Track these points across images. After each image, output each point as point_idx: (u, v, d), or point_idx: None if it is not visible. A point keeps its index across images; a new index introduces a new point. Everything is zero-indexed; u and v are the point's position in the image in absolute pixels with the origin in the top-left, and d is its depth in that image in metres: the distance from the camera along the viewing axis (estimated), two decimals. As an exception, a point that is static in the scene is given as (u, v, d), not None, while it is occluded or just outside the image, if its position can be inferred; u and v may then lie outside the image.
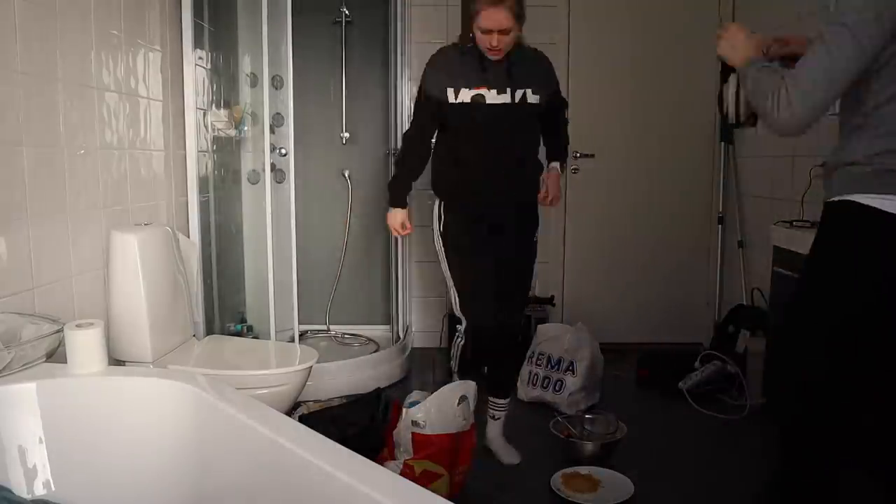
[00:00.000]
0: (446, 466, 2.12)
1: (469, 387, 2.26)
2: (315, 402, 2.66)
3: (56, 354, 1.55)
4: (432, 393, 2.23)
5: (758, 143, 3.42)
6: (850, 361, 1.57)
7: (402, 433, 2.17)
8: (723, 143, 3.70)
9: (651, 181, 3.82)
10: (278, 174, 3.07)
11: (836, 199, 1.54)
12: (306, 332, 3.68)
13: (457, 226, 2.34)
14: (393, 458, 2.17)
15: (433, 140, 2.36)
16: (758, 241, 3.33)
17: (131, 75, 2.28)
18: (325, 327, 3.80)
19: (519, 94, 2.22)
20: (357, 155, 3.81)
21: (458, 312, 2.40)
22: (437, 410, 2.15)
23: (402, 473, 2.05)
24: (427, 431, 2.13)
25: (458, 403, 2.18)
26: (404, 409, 2.21)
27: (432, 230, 2.40)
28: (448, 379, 2.60)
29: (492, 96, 2.20)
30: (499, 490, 2.25)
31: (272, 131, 2.93)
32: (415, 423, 2.15)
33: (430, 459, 2.11)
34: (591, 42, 3.73)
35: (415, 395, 2.33)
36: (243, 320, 3.17)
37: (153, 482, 1.48)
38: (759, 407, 2.82)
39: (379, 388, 2.77)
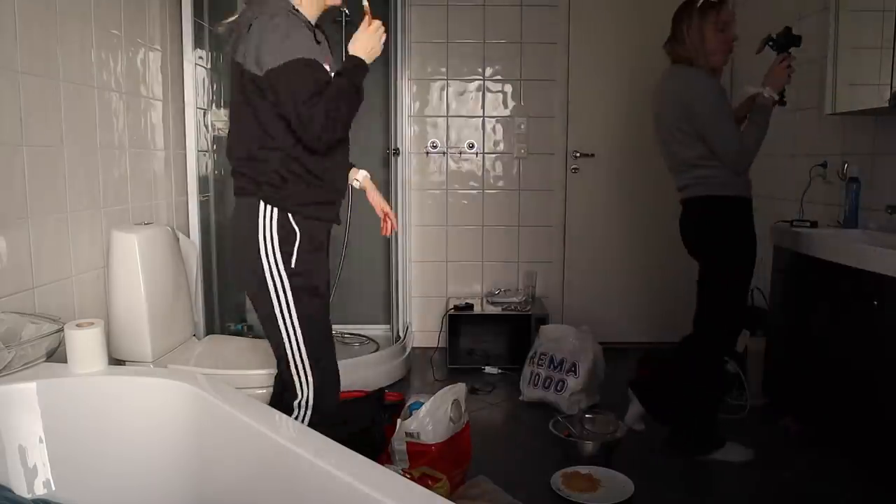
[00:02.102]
0: (445, 471, 2.12)
1: (459, 389, 2.28)
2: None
3: (56, 354, 1.55)
4: (433, 394, 2.24)
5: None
6: None
7: (397, 445, 2.17)
8: (723, 143, 3.70)
9: (651, 181, 3.81)
10: (278, 174, 3.06)
11: None
12: (306, 331, 3.67)
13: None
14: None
15: None
16: (758, 240, 3.32)
17: (131, 75, 2.28)
18: (325, 327, 3.80)
19: None
20: (357, 155, 3.76)
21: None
22: (431, 419, 2.16)
23: (401, 478, 2.05)
24: (422, 440, 2.14)
25: (451, 408, 2.19)
26: (398, 421, 2.21)
27: None
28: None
29: None
30: (499, 490, 2.25)
31: (272, 131, 2.92)
32: (409, 435, 2.15)
33: (428, 467, 2.11)
34: (591, 42, 3.73)
35: (414, 396, 2.34)
36: (243, 320, 3.17)
37: (153, 482, 1.48)
38: (760, 407, 2.83)
39: (383, 388, 2.77)
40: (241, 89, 1.62)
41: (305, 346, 1.72)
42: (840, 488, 2.20)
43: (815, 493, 1.90)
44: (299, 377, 1.74)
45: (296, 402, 1.74)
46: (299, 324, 1.70)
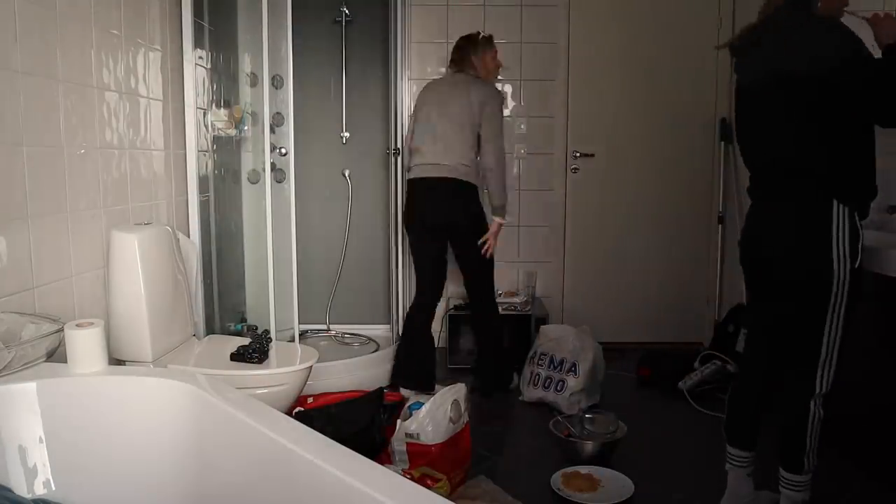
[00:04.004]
0: (445, 471, 2.12)
1: (459, 390, 2.28)
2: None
3: (56, 354, 1.55)
4: (431, 395, 2.24)
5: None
6: None
7: (397, 445, 2.17)
8: (723, 143, 3.70)
9: (651, 181, 3.82)
10: (278, 174, 3.07)
11: None
12: (306, 331, 3.68)
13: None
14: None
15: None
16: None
17: (131, 75, 2.28)
18: (325, 327, 3.80)
19: None
20: (357, 155, 3.81)
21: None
22: (430, 420, 2.16)
23: (401, 478, 2.05)
24: (422, 441, 2.14)
25: (451, 408, 2.19)
26: (398, 422, 2.21)
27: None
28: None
29: None
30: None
31: (272, 131, 2.92)
32: (409, 435, 2.15)
33: (428, 467, 2.11)
34: (591, 42, 3.73)
35: (413, 396, 2.34)
36: (243, 320, 3.17)
37: (153, 481, 1.49)
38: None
39: (382, 388, 2.77)
40: None
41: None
42: (840, 488, 2.21)
43: (815, 494, 1.91)
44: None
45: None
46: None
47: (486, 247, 2.97)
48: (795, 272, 1.82)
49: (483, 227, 2.99)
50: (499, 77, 3.74)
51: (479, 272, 3.05)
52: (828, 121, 1.74)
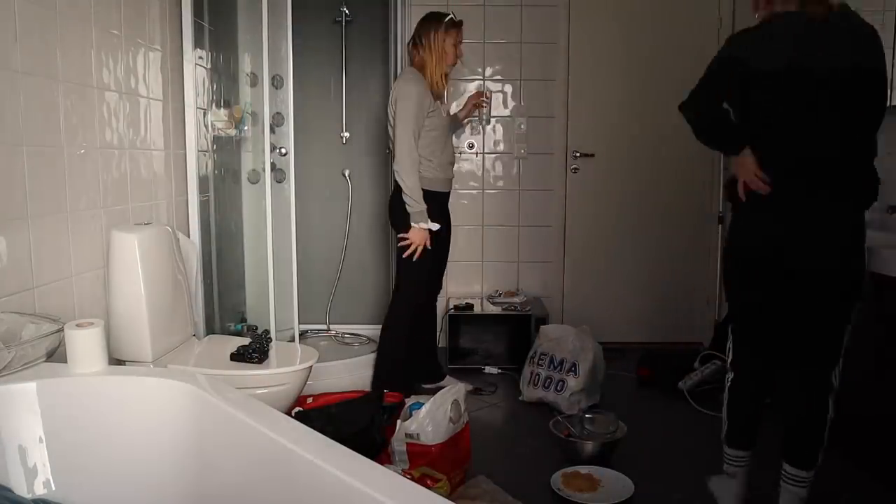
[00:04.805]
0: (445, 471, 2.12)
1: (459, 390, 2.28)
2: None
3: (56, 354, 1.55)
4: (433, 394, 2.24)
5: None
6: None
7: (397, 446, 2.18)
8: (723, 143, 3.70)
9: (651, 181, 3.82)
10: (278, 174, 3.07)
11: None
12: (306, 331, 3.68)
13: None
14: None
15: None
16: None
17: (131, 75, 2.28)
18: (325, 327, 3.80)
19: None
20: (357, 155, 3.81)
21: None
22: (430, 420, 2.16)
23: (401, 478, 2.05)
24: (422, 441, 2.14)
25: (451, 408, 2.19)
26: (398, 422, 2.21)
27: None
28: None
29: None
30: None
31: (272, 131, 2.93)
32: (409, 435, 2.16)
33: (428, 467, 2.11)
34: (591, 42, 3.73)
35: (413, 398, 2.34)
36: (243, 320, 3.17)
37: (153, 481, 1.49)
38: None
39: (382, 388, 2.77)
40: None
41: None
42: (842, 489, 2.20)
43: (815, 493, 1.91)
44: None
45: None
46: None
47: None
48: (834, 273, 1.82)
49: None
50: (497, 77, 3.76)
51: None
52: (864, 117, 1.79)
